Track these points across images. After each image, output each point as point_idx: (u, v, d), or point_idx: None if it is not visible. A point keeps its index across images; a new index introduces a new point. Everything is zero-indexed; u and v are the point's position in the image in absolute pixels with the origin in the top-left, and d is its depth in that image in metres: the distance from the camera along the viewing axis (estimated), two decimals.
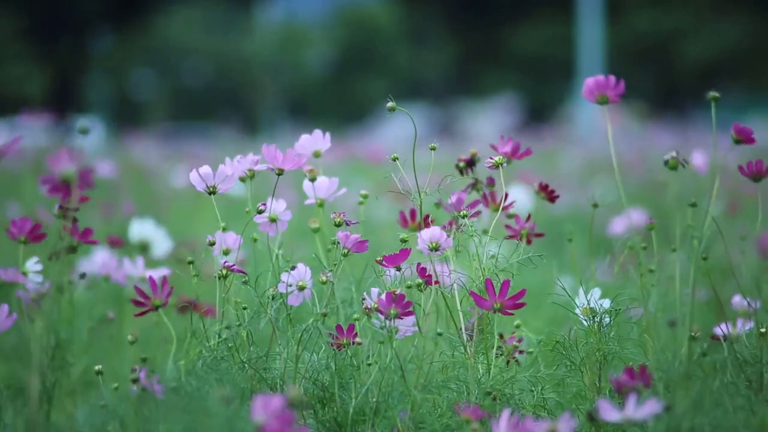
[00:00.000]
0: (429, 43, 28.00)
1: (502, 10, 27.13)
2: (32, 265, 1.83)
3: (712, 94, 1.80)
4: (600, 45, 17.44)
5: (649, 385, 1.61)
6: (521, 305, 1.73)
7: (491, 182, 2.01)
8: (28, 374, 1.62)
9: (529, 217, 1.98)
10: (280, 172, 1.84)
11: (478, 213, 1.92)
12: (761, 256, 2.80)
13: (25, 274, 1.82)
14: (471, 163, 2.02)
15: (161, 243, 2.69)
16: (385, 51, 27.00)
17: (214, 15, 27.49)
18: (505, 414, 1.53)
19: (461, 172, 2.01)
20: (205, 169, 1.81)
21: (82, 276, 1.97)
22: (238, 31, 27.04)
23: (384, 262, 1.77)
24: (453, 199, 1.96)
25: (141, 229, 2.70)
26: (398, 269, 1.77)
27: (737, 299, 1.97)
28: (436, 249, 1.78)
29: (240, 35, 26.95)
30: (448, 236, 1.78)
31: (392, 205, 5.54)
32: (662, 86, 24.86)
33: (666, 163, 1.84)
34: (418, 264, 1.77)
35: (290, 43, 26.93)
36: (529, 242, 1.95)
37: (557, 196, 2.01)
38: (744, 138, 1.80)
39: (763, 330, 1.75)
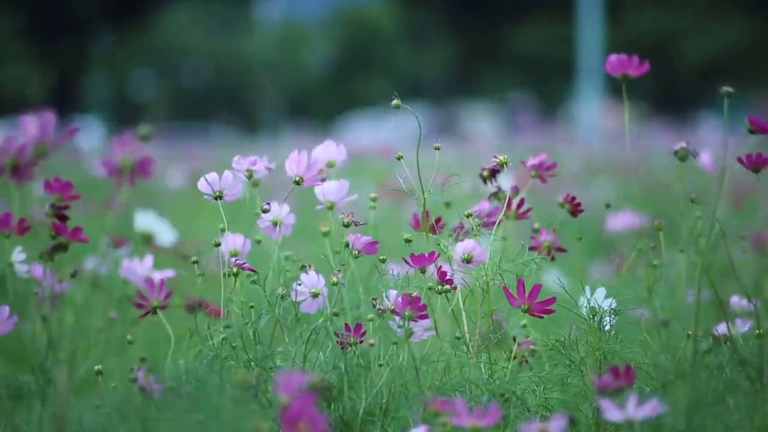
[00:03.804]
0: (429, 43, 28.00)
1: (502, 10, 27.14)
2: (17, 254, 1.82)
3: (726, 89, 1.80)
4: (600, 45, 17.44)
5: (633, 384, 1.61)
6: (550, 311, 1.74)
7: (516, 191, 1.98)
8: (56, 368, 1.62)
9: (554, 230, 1.97)
10: (300, 181, 1.83)
11: (495, 222, 1.90)
12: (757, 253, 2.79)
13: (11, 265, 1.81)
14: (495, 172, 1.99)
15: (165, 234, 2.68)
16: (385, 51, 27.02)
17: (214, 15, 27.50)
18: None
19: (485, 181, 1.99)
20: (212, 175, 1.81)
21: (74, 275, 1.96)
22: (238, 31, 27.05)
23: (410, 262, 1.77)
24: (475, 208, 1.95)
25: (144, 220, 2.68)
26: (422, 271, 1.77)
27: (736, 299, 1.97)
28: (469, 261, 1.79)
29: (240, 35, 26.96)
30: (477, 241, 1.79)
31: (391, 204, 5.54)
32: (662, 86, 24.87)
33: (675, 153, 1.84)
34: (440, 268, 1.78)
35: (290, 43, 26.94)
36: (550, 256, 1.94)
37: (582, 210, 1.98)
38: (758, 128, 1.80)
39: (762, 330, 1.75)
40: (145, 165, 1.58)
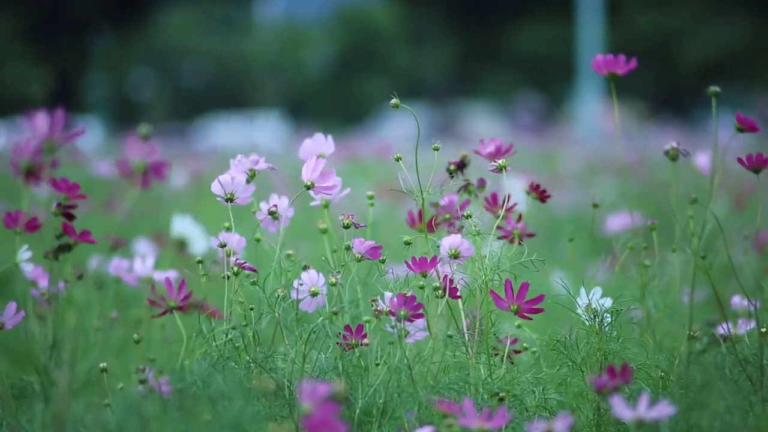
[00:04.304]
0: (429, 43, 27.99)
1: (502, 10, 27.13)
2: (23, 253, 1.82)
3: (713, 89, 1.82)
4: (600, 45, 17.44)
5: (629, 384, 1.61)
6: (539, 310, 1.74)
7: (482, 183, 2.02)
8: (56, 369, 1.63)
9: (520, 217, 1.99)
10: (311, 186, 1.83)
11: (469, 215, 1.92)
12: (758, 253, 2.80)
13: (17, 264, 1.81)
14: (461, 165, 2.03)
15: (199, 240, 2.67)
16: (385, 51, 27.00)
17: (213, 15, 27.48)
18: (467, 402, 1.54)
19: (451, 175, 2.02)
20: (226, 178, 1.81)
21: (80, 277, 1.97)
22: (238, 31, 27.03)
23: (411, 266, 1.77)
24: (444, 201, 1.97)
25: (180, 225, 2.67)
26: (424, 275, 1.77)
27: (737, 299, 1.98)
28: (456, 257, 1.79)
29: (240, 35, 26.94)
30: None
31: (390, 204, 5.55)
32: (662, 86, 24.86)
33: (666, 153, 1.86)
34: (446, 277, 1.78)
35: (290, 43, 26.92)
36: (520, 242, 1.95)
37: (548, 196, 2.01)
38: (746, 127, 1.81)
39: (764, 329, 1.76)
40: (160, 167, 1.59)
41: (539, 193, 2.01)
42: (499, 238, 1.95)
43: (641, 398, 1.51)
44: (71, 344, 1.62)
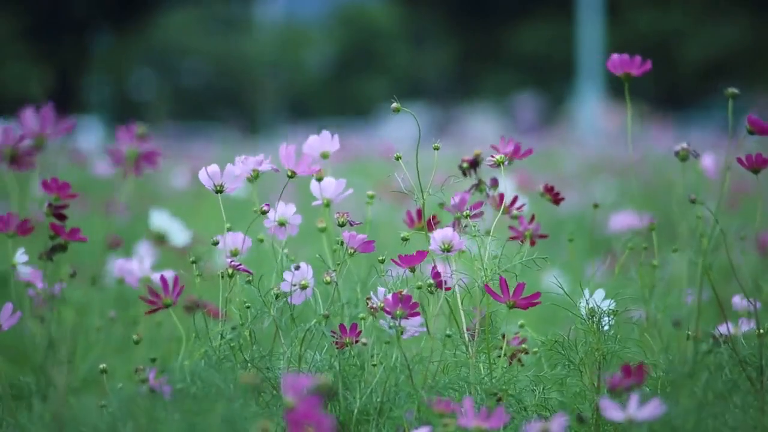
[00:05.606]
0: (429, 43, 27.99)
1: (502, 10, 27.12)
2: (20, 256, 1.81)
3: (731, 90, 1.81)
4: (600, 45, 17.43)
5: (643, 384, 1.61)
6: (533, 304, 1.74)
7: (495, 183, 2.00)
8: (54, 368, 1.62)
9: (533, 218, 1.98)
10: (292, 175, 1.82)
11: (480, 214, 1.91)
12: (761, 255, 2.80)
13: (14, 266, 1.81)
14: (474, 164, 2.01)
15: (178, 234, 2.68)
16: (385, 51, 27.00)
17: (213, 15, 27.48)
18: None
19: (464, 173, 2.00)
20: (213, 168, 1.80)
21: (73, 275, 1.96)
22: (238, 31, 27.04)
23: (399, 262, 1.77)
24: (456, 200, 1.95)
25: (158, 219, 2.68)
26: (412, 270, 1.77)
27: (737, 299, 1.98)
28: (448, 250, 1.78)
29: (240, 35, 26.95)
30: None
31: (391, 205, 5.54)
32: (662, 86, 24.86)
33: (676, 154, 1.86)
34: (433, 267, 1.77)
35: (290, 43, 26.93)
36: (533, 243, 1.95)
37: (562, 198, 2.00)
38: (757, 129, 1.80)
39: (762, 330, 1.76)
40: (152, 155, 1.59)
41: (553, 195, 2.00)
42: (511, 238, 1.94)
43: (631, 398, 1.51)
44: (69, 343, 1.62)
